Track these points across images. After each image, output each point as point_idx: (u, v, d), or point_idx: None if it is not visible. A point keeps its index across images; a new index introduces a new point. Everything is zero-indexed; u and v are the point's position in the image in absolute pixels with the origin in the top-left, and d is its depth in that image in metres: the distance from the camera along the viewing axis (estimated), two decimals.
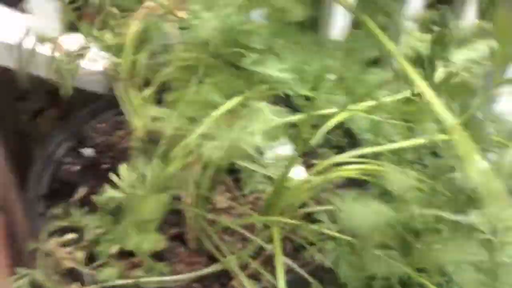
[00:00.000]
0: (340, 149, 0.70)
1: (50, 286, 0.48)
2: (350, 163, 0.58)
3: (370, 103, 0.53)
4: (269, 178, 0.65)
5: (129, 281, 0.48)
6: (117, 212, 0.57)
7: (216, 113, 0.59)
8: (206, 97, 0.55)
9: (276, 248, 0.50)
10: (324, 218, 0.53)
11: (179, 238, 0.57)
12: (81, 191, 0.61)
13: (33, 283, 0.49)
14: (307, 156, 0.71)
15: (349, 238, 0.50)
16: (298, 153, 0.54)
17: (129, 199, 0.56)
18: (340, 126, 0.59)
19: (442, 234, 0.40)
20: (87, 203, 0.60)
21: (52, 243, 0.50)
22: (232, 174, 0.66)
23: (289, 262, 0.50)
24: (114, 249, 0.51)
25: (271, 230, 0.53)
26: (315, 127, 0.66)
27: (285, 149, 0.71)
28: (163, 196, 0.52)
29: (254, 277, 0.50)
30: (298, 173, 0.66)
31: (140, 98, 0.59)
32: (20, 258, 0.60)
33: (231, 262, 0.50)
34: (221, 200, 0.62)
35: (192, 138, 0.63)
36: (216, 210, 0.61)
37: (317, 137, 0.57)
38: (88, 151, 0.67)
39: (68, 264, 0.48)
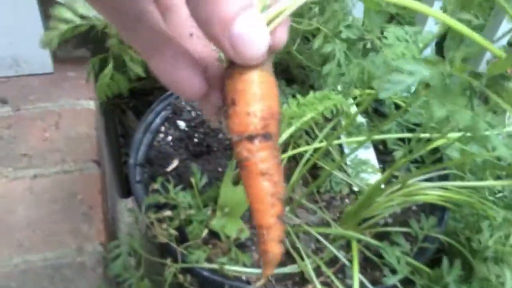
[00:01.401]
0: (421, 162, 0.72)
1: (147, 257, 0.54)
2: (431, 188, 0.60)
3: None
4: (347, 181, 0.67)
5: (215, 266, 0.53)
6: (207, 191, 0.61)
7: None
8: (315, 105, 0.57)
9: (353, 263, 0.53)
10: (401, 241, 0.56)
11: None
12: (174, 163, 0.66)
13: (131, 250, 0.55)
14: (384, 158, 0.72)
15: (426, 268, 0.53)
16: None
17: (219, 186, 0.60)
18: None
19: None
20: (178, 175, 0.65)
21: (151, 217, 0.55)
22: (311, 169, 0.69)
23: (361, 276, 0.53)
24: (204, 233, 0.56)
25: (349, 242, 0.57)
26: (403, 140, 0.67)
27: (367, 153, 0.73)
28: None
29: (327, 284, 0.54)
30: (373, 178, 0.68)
31: None
32: (111, 220, 0.66)
33: (308, 266, 0.54)
34: (299, 195, 0.65)
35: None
36: (292, 203, 0.65)
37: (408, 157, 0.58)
38: (182, 124, 0.70)
39: (163, 239, 0.54)
